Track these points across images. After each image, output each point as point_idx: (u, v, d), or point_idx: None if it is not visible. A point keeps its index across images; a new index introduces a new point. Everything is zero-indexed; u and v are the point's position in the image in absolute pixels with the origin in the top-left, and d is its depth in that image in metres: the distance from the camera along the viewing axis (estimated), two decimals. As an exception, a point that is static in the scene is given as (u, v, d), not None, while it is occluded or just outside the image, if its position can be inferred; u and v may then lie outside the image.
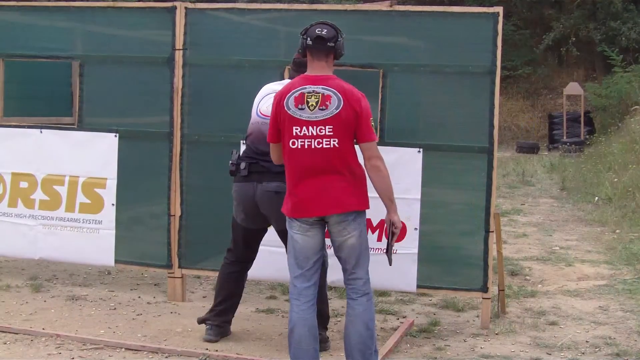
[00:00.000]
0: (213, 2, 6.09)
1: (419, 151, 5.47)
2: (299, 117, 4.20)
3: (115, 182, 6.05)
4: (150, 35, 6.12)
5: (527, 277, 7.17)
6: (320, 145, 4.18)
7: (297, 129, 4.20)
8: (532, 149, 20.07)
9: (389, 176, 4.29)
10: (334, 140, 4.18)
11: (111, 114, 6.20)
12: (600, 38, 22.39)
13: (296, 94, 4.23)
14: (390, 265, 4.44)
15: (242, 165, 4.87)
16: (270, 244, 5.20)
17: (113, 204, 6.06)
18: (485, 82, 5.43)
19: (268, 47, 5.84)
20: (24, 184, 6.24)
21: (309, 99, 4.19)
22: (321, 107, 4.17)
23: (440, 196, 5.68)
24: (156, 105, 6.02)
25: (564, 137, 20.27)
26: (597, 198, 11.39)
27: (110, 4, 6.19)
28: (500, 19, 5.39)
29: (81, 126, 6.17)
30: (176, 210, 5.95)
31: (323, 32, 4.24)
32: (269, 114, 4.67)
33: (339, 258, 4.38)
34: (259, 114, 4.94)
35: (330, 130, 4.17)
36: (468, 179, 5.55)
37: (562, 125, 20.77)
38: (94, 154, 6.08)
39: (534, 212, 10.97)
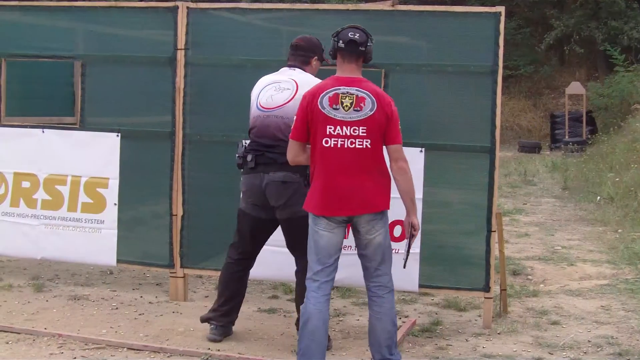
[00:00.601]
0: (215, 2, 6.09)
1: (421, 151, 5.46)
2: (333, 116, 4.31)
3: (117, 181, 6.05)
4: (152, 35, 6.12)
5: (529, 277, 7.17)
6: (354, 145, 4.31)
7: (331, 128, 4.31)
8: (534, 149, 20.05)
9: (412, 179, 4.45)
10: (367, 141, 4.31)
11: (113, 114, 6.21)
12: (602, 37, 22.36)
13: (330, 94, 4.33)
14: (405, 267, 4.58)
15: (249, 157, 4.89)
16: (272, 243, 5.20)
17: (115, 204, 6.06)
18: (487, 82, 5.43)
19: (270, 47, 5.84)
20: (26, 184, 6.24)
21: (343, 100, 4.32)
22: (356, 108, 4.30)
23: (442, 196, 5.68)
24: (158, 105, 6.02)
25: (566, 137, 20.23)
26: (599, 197, 11.37)
27: (112, 3, 6.19)
28: (502, 18, 5.39)
29: (83, 126, 6.18)
30: (178, 209, 5.95)
31: (356, 36, 4.38)
32: (270, 106, 4.79)
33: (363, 256, 4.48)
34: (260, 107, 4.93)
35: (364, 131, 4.30)
36: (470, 179, 5.55)
37: (564, 125, 20.73)
38: (96, 154, 6.09)
39: (536, 211, 10.97)
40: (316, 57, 5.08)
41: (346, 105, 4.30)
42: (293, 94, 4.86)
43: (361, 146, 4.31)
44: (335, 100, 4.32)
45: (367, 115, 4.30)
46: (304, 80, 4.91)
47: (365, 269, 4.50)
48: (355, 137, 4.30)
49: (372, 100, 4.33)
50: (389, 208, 4.44)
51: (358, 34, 4.39)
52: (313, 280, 4.43)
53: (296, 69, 5.01)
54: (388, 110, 4.36)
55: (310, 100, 4.38)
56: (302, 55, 5.06)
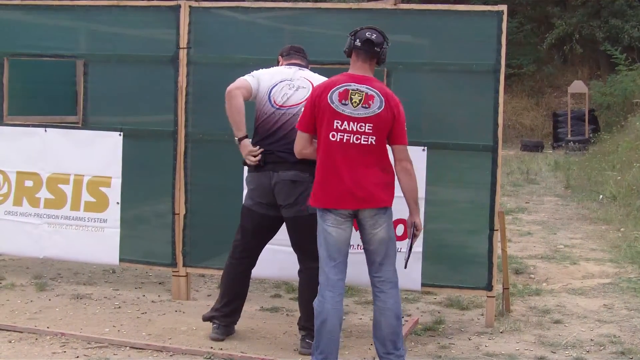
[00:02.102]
0: (217, 1, 6.09)
1: (424, 150, 5.45)
2: (341, 111, 4.38)
3: (119, 180, 6.06)
4: (155, 33, 6.12)
5: (532, 276, 7.17)
6: (359, 141, 4.37)
7: (338, 122, 4.38)
8: (537, 147, 20.03)
9: (416, 179, 4.51)
10: (372, 138, 4.38)
11: (115, 113, 6.21)
12: (603, 36, 22.34)
13: (340, 90, 4.40)
14: (405, 268, 4.60)
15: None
16: (274, 242, 5.19)
17: (118, 203, 6.07)
18: (489, 81, 5.42)
19: (272, 46, 5.82)
20: (29, 183, 6.25)
21: (352, 96, 4.39)
22: (364, 105, 4.37)
23: (445, 195, 5.68)
24: (160, 104, 6.03)
25: (569, 136, 20.22)
26: (601, 196, 11.36)
27: (115, 2, 6.19)
28: (505, 17, 5.39)
29: (86, 125, 6.18)
30: (180, 208, 5.95)
31: (372, 37, 4.45)
32: (287, 104, 4.84)
33: (368, 251, 4.52)
34: (275, 104, 4.92)
35: (370, 128, 4.37)
36: (472, 178, 5.55)
37: (567, 124, 20.72)
38: (98, 153, 6.09)
39: (538, 210, 10.96)
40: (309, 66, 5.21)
41: (355, 102, 4.37)
42: (309, 93, 4.89)
43: (366, 142, 4.37)
44: (344, 96, 4.38)
45: (375, 113, 4.37)
46: (319, 80, 4.95)
47: (369, 263, 4.54)
48: (361, 134, 4.36)
49: (381, 99, 4.39)
50: (391, 205, 4.48)
51: (375, 35, 4.46)
52: (327, 277, 4.46)
53: (305, 69, 5.06)
54: (395, 111, 4.43)
55: (320, 93, 4.44)
56: (305, 58, 5.19)
